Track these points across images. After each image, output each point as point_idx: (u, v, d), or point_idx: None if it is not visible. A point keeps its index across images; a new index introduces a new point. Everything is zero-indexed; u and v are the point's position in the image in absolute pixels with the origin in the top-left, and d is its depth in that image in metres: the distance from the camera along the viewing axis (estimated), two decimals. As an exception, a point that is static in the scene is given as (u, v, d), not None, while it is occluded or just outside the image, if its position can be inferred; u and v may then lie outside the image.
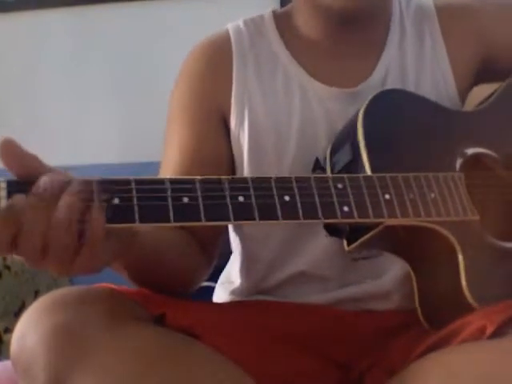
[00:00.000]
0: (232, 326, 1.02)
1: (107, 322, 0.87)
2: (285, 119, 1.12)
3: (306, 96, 1.12)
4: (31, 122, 2.72)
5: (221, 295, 1.23)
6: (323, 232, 1.07)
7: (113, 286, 0.98)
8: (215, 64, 1.17)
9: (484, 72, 1.17)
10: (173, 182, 0.81)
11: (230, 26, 1.20)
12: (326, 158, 1.03)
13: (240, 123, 1.13)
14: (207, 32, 1.22)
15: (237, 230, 1.20)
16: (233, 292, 1.20)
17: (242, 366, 0.93)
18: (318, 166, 1.08)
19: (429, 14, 1.17)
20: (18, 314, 2.37)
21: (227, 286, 1.22)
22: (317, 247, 1.10)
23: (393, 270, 1.09)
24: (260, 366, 0.98)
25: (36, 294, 2.47)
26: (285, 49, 1.16)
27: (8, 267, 2.46)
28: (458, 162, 1.02)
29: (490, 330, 0.86)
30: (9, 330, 2.23)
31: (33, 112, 2.75)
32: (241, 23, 1.20)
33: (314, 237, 1.09)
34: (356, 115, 1.00)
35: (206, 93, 1.16)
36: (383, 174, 0.93)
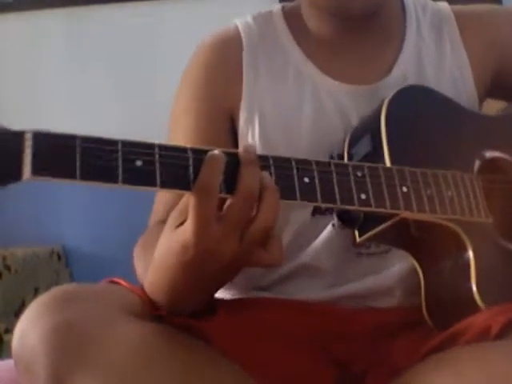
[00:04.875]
0: (231, 323, 1.01)
1: (108, 319, 0.87)
2: (296, 115, 1.11)
3: (318, 92, 1.12)
4: (30, 121, 2.73)
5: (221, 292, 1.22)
6: (330, 226, 1.08)
7: (120, 280, 0.98)
8: (225, 61, 1.16)
9: (494, 83, 1.17)
10: (195, 151, 0.82)
11: (238, 22, 1.18)
12: (343, 149, 1.04)
13: (250, 121, 1.12)
14: (207, 32, 1.21)
15: None
16: (233, 287, 1.18)
17: (241, 363, 0.93)
18: None
19: (447, 18, 1.18)
20: (18, 313, 2.36)
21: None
22: (322, 240, 1.09)
23: (395, 265, 1.09)
24: (259, 364, 0.98)
25: (36, 294, 2.47)
26: (296, 45, 1.15)
27: (8, 267, 2.46)
28: (476, 164, 1.03)
29: (495, 331, 0.86)
30: (9, 330, 2.22)
31: (31, 112, 2.76)
32: (249, 18, 1.19)
33: (322, 230, 1.09)
34: (378, 108, 1.01)
35: (214, 90, 1.15)
36: (402, 167, 0.94)
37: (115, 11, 2.75)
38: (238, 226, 0.82)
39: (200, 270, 0.86)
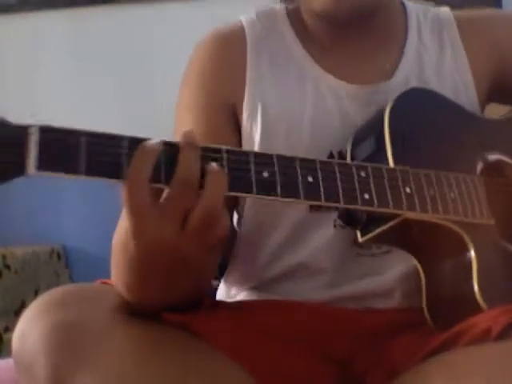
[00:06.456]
0: (231, 324, 1.01)
1: (107, 319, 0.88)
2: (297, 111, 1.11)
3: (320, 89, 1.12)
4: (31, 123, 2.74)
5: (222, 292, 1.22)
6: (329, 224, 1.08)
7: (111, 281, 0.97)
8: (229, 55, 1.16)
9: (496, 86, 1.18)
10: (202, 149, 0.82)
11: (242, 18, 1.19)
12: (346, 149, 1.04)
13: (253, 115, 1.12)
14: (207, 32, 1.20)
15: (247, 214, 1.16)
16: (233, 285, 1.18)
17: (241, 363, 0.93)
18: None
19: (448, 24, 1.18)
20: (18, 313, 2.37)
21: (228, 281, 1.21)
22: (321, 239, 1.08)
23: (395, 267, 1.08)
24: (259, 364, 0.97)
25: (36, 293, 2.48)
26: (298, 42, 1.16)
27: (8, 266, 2.47)
28: (479, 166, 1.03)
29: (495, 332, 0.86)
30: (9, 329, 2.22)
31: (33, 113, 2.76)
32: (253, 15, 1.19)
33: (320, 228, 1.09)
34: (383, 110, 1.01)
35: (218, 84, 1.15)
36: (406, 168, 0.94)
37: (117, 12, 2.76)
38: (175, 215, 0.80)
39: (148, 263, 0.84)
